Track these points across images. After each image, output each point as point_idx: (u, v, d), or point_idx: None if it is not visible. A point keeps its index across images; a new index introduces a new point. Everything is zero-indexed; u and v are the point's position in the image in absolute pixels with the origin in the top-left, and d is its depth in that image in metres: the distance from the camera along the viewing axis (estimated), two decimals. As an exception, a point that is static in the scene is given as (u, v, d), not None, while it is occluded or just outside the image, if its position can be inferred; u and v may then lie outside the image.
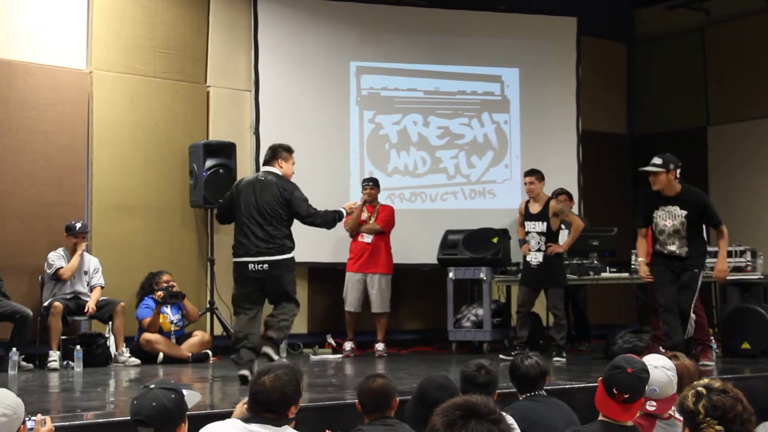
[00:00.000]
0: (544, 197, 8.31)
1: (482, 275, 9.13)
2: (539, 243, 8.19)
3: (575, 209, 9.97)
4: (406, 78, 10.42)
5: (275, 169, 6.65)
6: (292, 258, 6.54)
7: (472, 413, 2.16)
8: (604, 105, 11.74)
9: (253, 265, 6.38)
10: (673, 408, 3.84)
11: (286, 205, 6.49)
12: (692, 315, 7.23)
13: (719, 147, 11.41)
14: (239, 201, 6.53)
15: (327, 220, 6.69)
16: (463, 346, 9.28)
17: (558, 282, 8.25)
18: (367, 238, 9.12)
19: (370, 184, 9.25)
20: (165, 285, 8.42)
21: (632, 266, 8.79)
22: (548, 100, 10.88)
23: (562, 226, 8.66)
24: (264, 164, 6.82)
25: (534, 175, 8.35)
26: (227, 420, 3.55)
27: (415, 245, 9.93)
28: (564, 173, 10.53)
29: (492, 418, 2.17)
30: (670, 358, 4.37)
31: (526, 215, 8.33)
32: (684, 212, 7.27)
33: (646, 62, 12.29)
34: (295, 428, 3.46)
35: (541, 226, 8.20)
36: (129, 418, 3.27)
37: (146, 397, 3.22)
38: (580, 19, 11.06)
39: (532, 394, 4.47)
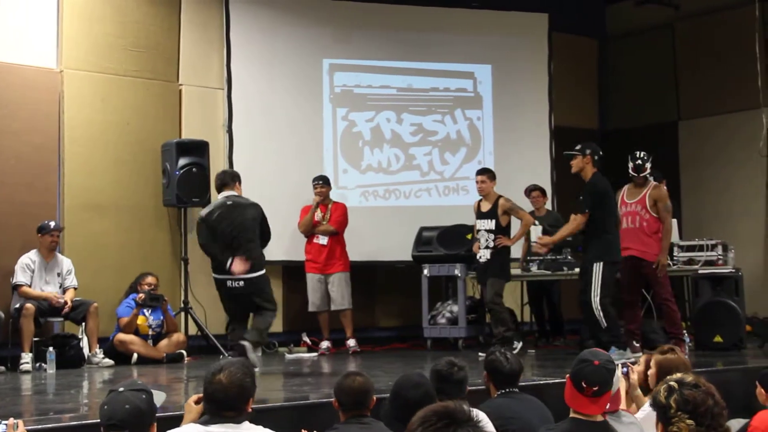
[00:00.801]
0: (494, 195, 8.35)
1: (457, 272, 9.16)
2: (487, 240, 8.29)
3: (548, 205, 10.02)
4: (378, 75, 10.42)
5: (236, 193, 7.10)
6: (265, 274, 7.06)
7: (453, 420, 2.16)
8: (576, 100, 11.79)
9: (231, 282, 6.87)
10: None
11: (260, 225, 7.02)
12: (598, 307, 7.33)
13: (690, 141, 11.51)
14: (217, 229, 6.92)
15: None
16: (438, 343, 9.30)
17: (497, 273, 8.27)
18: (323, 240, 9.13)
19: (320, 182, 9.20)
20: (147, 288, 8.36)
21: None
22: (520, 96, 10.92)
23: (536, 223, 8.75)
24: (222, 189, 7.14)
25: (485, 174, 8.44)
26: (184, 426, 3.49)
27: (389, 242, 9.93)
28: (537, 169, 10.59)
29: (472, 424, 2.17)
30: (666, 351, 4.40)
31: (477, 213, 8.44)
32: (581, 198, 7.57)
33: (617, 58, 12.37)
34: (253, 423, 3.43)
35: (489, 224, 8.28)
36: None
37: (117, 401, 3.15)
38: (552, 16, 11.12)
39: (507, 390, 4.48)
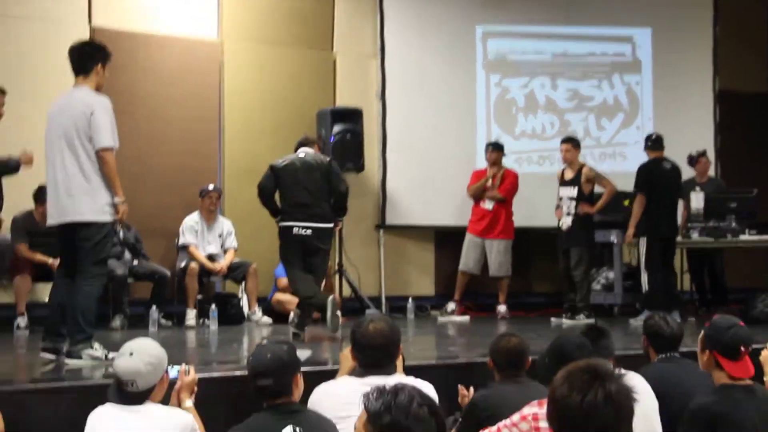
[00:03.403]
0: (577, 164, 8.51)
1: (613, 238, 8.98)
2: (569, 207, 8.39)
3: (711, 171, 9.64)
4: (532, 41, 10.25)
5: (313, 150, 6.94)
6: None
7: (598, 375, 2.19)
8: (743, 64, 11.23)
9: (296, 229, 6.82)
10: None
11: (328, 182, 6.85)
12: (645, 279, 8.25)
13: None
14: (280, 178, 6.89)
15: None
16: (593, 309, 9.10)
17: (579, 242, 8.41)
18: (488, 205, 9.09)
19: (491, 148, 9.19)
20: None
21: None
22: (682, 60, 10.51)
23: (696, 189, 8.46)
24: (299, 147, 6.98)
25: (570, 142, 8.60)
26: (340, 379, 3.58)
27: (543, 208, 9.76)
28: (700, 135, 10.19)
29: (616, 380, 2.19)
30: None
31: (561, 181, 8.56)
32: None
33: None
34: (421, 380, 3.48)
35: (572, 191, 8.44)
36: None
37: (261, 352, 3.32)
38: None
39: (668, 355, 4.35)
